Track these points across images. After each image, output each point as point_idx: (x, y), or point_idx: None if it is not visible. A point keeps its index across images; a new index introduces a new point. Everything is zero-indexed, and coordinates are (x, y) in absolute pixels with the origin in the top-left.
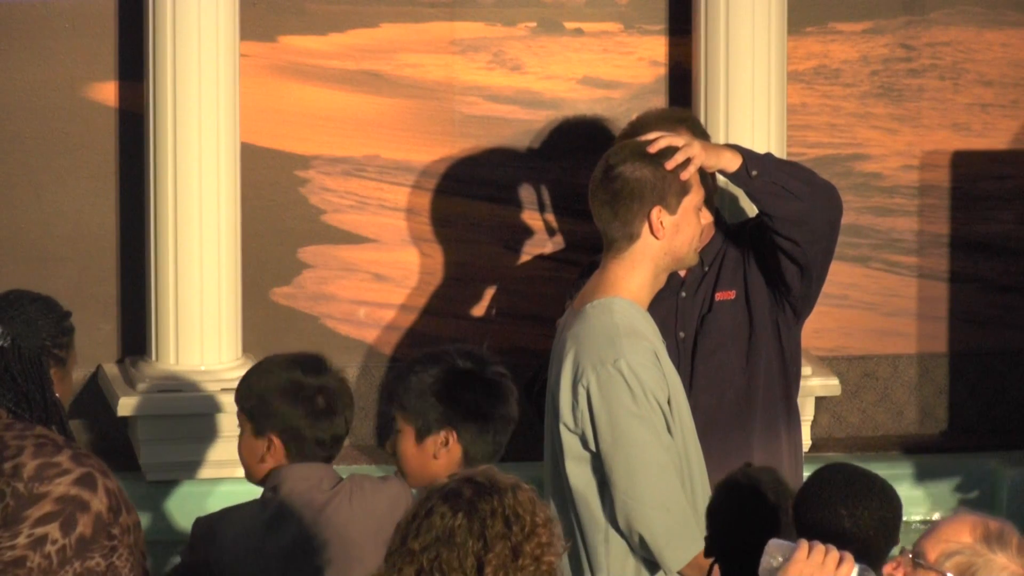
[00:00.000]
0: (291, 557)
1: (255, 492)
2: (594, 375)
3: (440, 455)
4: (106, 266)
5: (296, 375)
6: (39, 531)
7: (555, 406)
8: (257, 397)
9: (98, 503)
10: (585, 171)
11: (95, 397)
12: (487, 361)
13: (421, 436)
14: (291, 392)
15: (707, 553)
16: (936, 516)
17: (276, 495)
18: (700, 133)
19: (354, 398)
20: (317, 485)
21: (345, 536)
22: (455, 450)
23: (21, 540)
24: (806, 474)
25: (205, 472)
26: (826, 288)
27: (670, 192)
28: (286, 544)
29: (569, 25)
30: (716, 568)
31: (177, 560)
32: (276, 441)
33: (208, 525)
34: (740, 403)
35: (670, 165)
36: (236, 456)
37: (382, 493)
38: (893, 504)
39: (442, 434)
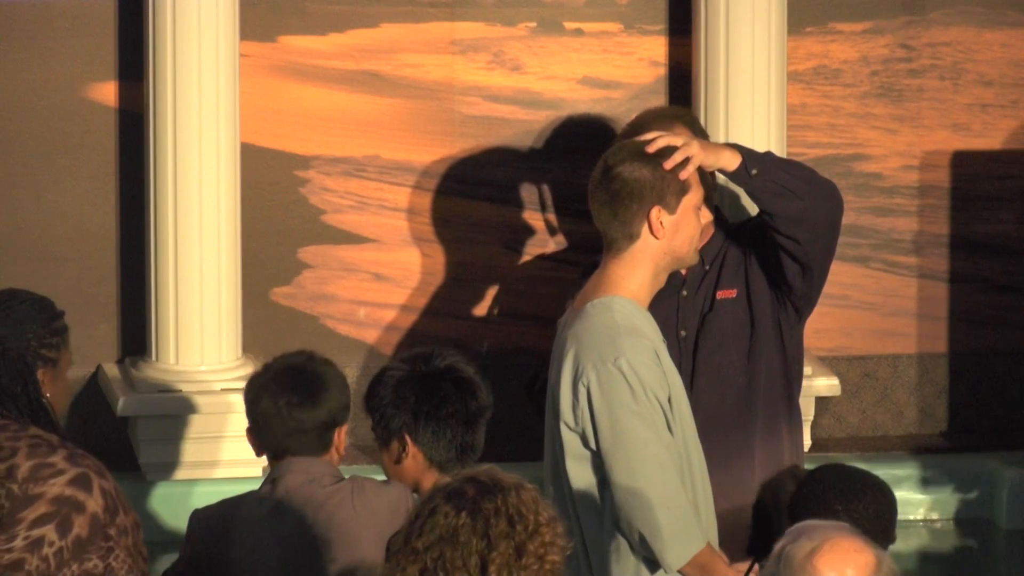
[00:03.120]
0: (291, 550)
1: None
2: (594, 373)
3: (404, 460)
4: (106, 266)
5: (261, 367)
6: (36, 533)
7: (555, 405)
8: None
9: (94, 504)
10: (585, 171)
11: (95, 397)
12: (433, 362)
13: (384, 445)
14: (256, 382)
15: (749, 551)
16: (935, 516)
17: (275, 488)
18: (697, 131)
19: (346, 387)
20: (318, 480)
21: (346, 534)
22: (416, 453)
23: (18, 543)
24: None
25: (205, 472)
26: (826, 288)
27: (669, 192)
28: (286, 537)
29: (569, 25)
30: (756, 567)
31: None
32: (249, 436)
33: (206, 518)
34: (741, 402)
35: (669, 165)
36: (237, 456)
37: (383, 496)
38: (888, 499)
39: (399, 440)
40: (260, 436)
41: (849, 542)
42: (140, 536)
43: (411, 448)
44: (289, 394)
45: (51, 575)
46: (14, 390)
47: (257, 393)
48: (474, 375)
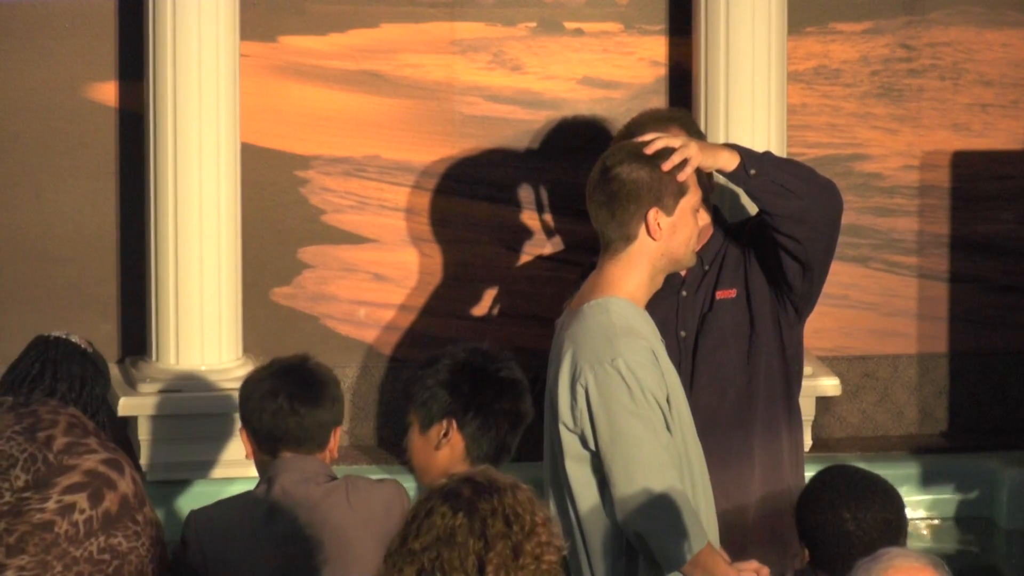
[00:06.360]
0: (288, 549)
1: None
2: (592, 374)
3: (442, 445)
4: (106, 266)
5: (261, 367)
6: (68, 499)
7: (554, 406)
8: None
9: (125, 486)
10: (585, 171)
11: None
12: (495, 359)
13: (425, 426)
14: (254, 379)
15: (799, 536)
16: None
17: (270, 488)
18: (693, 131)
19: (341, 391)
20: (313, 479)
21: (341, 533)
22: (457, 442)
23: (50, 505)
24: (808, 474)
25: (206, 472)
26: (826, 288)
27: (667, 193)
28: (283, 536)
29: (569, 25)
30: (806, 552)
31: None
32: (243, 434)
33: (203, 519)
34: (741, 402)
35: (667, 166)
36: (237, 456)
37: (378, 494)
38: (896, 505)
39: (443, 423)
40: (257, 434)
41: (909, 562)
42: (161, 535)
43: (455, 435)
44: (291, 389)
45: (79, 540)
46: (91, 400)
47: (255, 389)
48: (526, 382)
